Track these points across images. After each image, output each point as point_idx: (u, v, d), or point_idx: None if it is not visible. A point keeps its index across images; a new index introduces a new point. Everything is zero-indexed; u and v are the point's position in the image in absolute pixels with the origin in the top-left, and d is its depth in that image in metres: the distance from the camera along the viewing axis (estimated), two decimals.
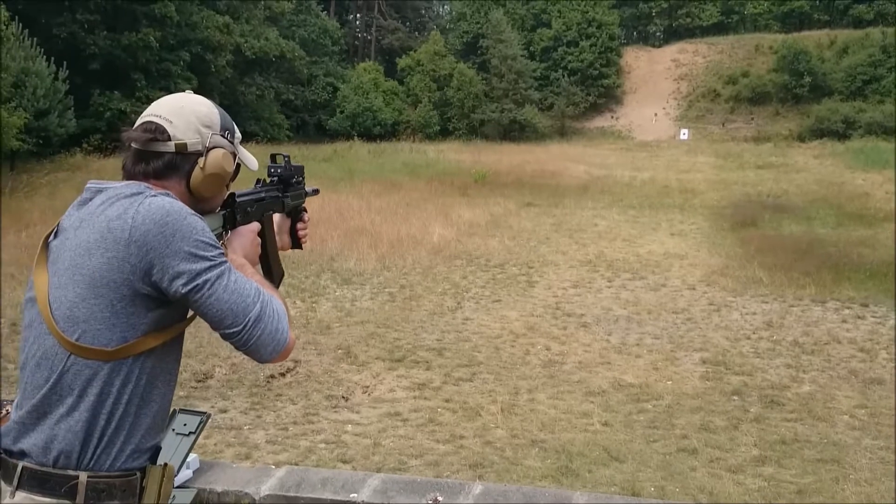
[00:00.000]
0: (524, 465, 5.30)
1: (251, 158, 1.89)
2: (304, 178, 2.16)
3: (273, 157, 2.08)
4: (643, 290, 10.57)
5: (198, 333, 7.29)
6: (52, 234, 1.69)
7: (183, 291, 1.57)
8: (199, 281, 1.57)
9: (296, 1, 47.17)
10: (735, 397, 6.64)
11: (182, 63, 32.60)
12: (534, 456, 5.46)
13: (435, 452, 5.51)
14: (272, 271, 2.00)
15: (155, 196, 1.61)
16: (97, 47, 28.83)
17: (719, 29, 55.46)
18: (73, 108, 24.70)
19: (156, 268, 1.56)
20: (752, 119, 46.32)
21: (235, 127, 1.85)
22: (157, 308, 1.60)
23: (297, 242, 2.19)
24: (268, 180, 2.04)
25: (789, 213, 17.57)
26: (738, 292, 10.39)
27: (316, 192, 2.30)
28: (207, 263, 1.58)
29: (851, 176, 25.65)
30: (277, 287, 1.93)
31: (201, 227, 1.61)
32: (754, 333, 8.56)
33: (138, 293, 1.57)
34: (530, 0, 53.41)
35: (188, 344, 1.63)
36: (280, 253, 2.08)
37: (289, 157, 2.09)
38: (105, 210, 1.60)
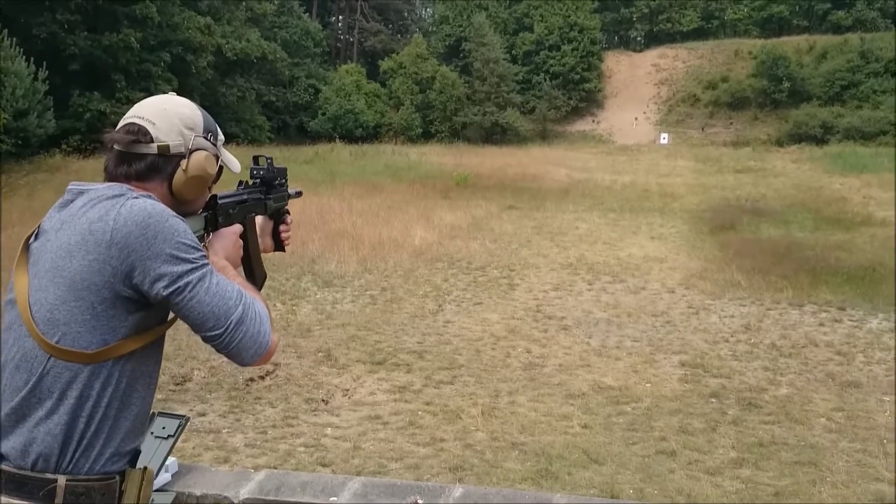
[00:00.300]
0: (504, 468, 5.31)
1: (234, 161, 1.89)
2: (286, 181, 2.15)
3: (256, 159, 2.07)
4: (623, 293, 10.62)
5: (176, 336, 7.26)
6: (33, 236, 1.68)
7: (164, 294, 1.56)
8: (181, 283, 1.56)
9: (278, 2, 47.07)
10: (713, 400, 6.69)
11: (163, 64, 32.43)
12: (514, 458, 5.47)
13: (415, 455, 5.52)
14: (254, 274, 2.00)
15: (137, 198, 1.61)
16: (77, 48, 28.62)
17: (699, 34, 55.85)
18: (52, 109, 24.53)
19: (137, 270, 1.55)
20: (732, 124, 46.67)
21: (218, 129, 1.84)
22: (138, 311, 1.60)
23: (279, 245, 2.18)
24: (250, 182, 2.04)
25: (767, 217, 17.70)
26: (717, 295, 10.45)
27: (299, 194, 2.29)
28: (189, 266, 1.58)
29: (829, 180, 25.89)
30: (260, 290, 1.93)
31: (183, 230, 1.61)
32: (732, 336, 8.62)
33: (119, 296, 1.57)
34: (513, 4, 53.60)
35: (166, 346, 1.63)
36: (262, 255, 2.08)
37: (272, 158, 2.08)
38: (86, 212, 1.60)
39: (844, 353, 8.01)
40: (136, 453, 1.70)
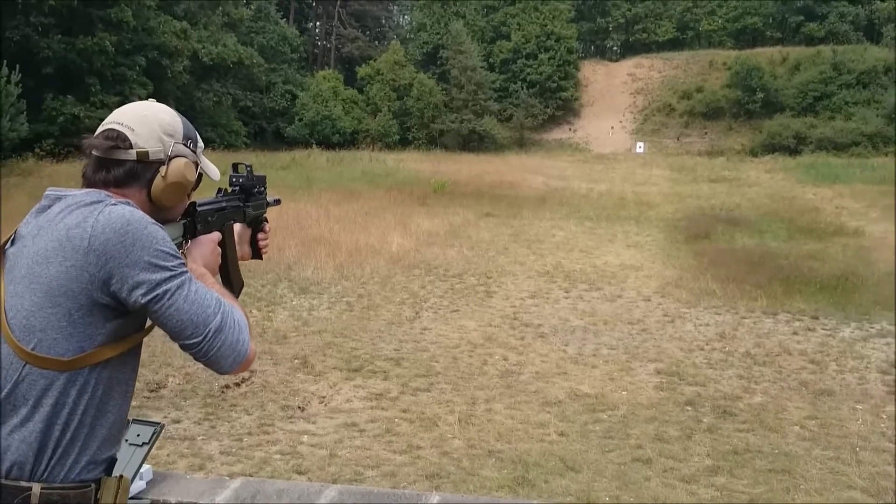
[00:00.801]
0: (481, 476, 5.31)
1: (213, 168, 1.88)
2: (265, 188, 2.15)
3: (235, 167, 2.07)
4: (599, 301, 10.66)
5: (151, 342, 7.18)
6: (10, 242, 1.66)
7: (142, 301, 1.55)
8: (159, 291, 1.55)
9: (254, 8, 46.95)
10: (688, 408, 6.72)
11: (138, 68, 32.22)
12: (490, 466, 5.47)
13: (392, 463, 5.50)
14: (232, 281, 1.99)
15: (115, 205, 1.59)
16: (51, 51, 28.35)
17: (675, 45, 56.47)
18: (25, 112, 24.24)
19: (115, 277, 1.54)
20: (706, 133, 47.14)
21: (198, 136, 1.83)
22: (115, 318, 1.58)
23: (257, 252, 2.17)
24: (229, 190, 2.03)
25: (742, 227, 17.85)
26: (692, 304, 10.52)
27: (277, 202, 2.28)
28: (167, 273, 1.57)
29: (802, 190, 26.19)
30: (237, 297, 1.92)
31: (162, 237, 1.59)
32: (707, 344, 8.68)
33: (96, 303, 1.55)
34: (490, 12, 53.86)
35: (141, 353, 1.62)
36: (239, 263, 2.07)
37: (251, 166, 2.08)
38: (64, 218, 1.58)
39: (818, 361, 8.08)
40: (112, 461, 1.68)
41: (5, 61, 23.05)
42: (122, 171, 1.67)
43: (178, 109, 1.84)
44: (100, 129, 1.70)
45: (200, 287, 1.62)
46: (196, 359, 1.62)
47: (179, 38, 34.45)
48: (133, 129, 1.68)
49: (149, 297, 1.55)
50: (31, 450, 1.54)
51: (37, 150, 26.92)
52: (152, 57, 32.95)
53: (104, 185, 1.67)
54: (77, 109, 28.57)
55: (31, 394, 1.55)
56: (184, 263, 1.63)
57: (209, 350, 1.59)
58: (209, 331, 1.59)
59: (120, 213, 1.57)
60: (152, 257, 1.56)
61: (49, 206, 1.64)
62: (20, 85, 23.63)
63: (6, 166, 23.61)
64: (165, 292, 1.56)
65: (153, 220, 1.62)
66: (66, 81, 29.42)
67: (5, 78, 22.81)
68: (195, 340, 1.59)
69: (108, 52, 29.63)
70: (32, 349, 1.54)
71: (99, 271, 1.54)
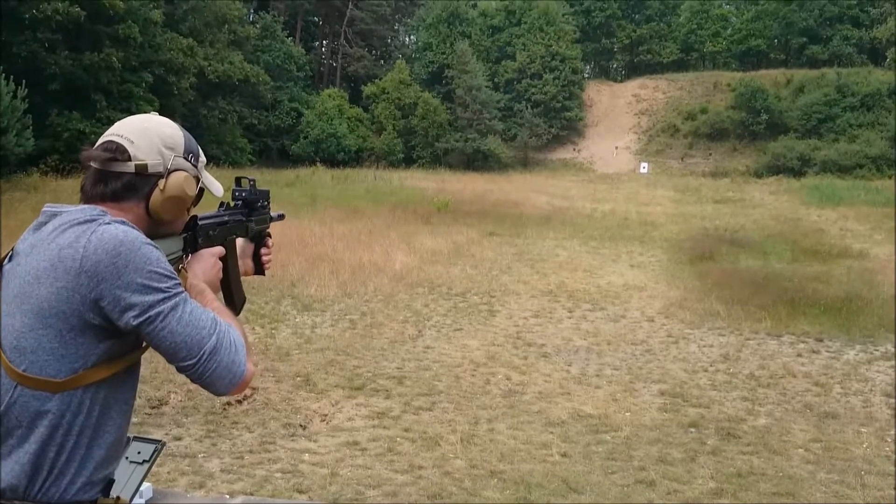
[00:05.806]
0: (483, 496, 5.26)
1: (216, 184, 1.85)
2: (269, 203, 2.12)
3: (238, 181, 2.04)
4: (603, 321, 10.62)
5: (153, 359, 7.09)
6: (7, 258, 1.64)
7: (134, 324, 1.52)
8: (152, 313, 1.52)
9: (261, 26, 47.24)
10: (692, 429, 6.67)
11: (144, 84, 32.36)
12: (493, 487, 5.42)
13: (393, 483, 5.45)
14: (233, 297, 1.96)
15: (108, 224, 1.56)
16: (58, 67, 28.47)
17: (679, 66, 56.76)
18: (31, 128, 24.32)
19: (106, 299, 1.51)
20: (710, 154, 47.22)
21: (201, 151, 1.81)
22: (108, 338, 1.55)
23: (260, 268, 2.15)
24: (232, 204, 2.01)
25: (746, 248, 17.80)
26: (696, 325, 10.47)
27: (281, 217, 2.26)
28: (161, 295, 1.54)
29: (806, 212, 26.16)
30: (238, 314, 1.89)
31: (156, 258, 1.56)
32: (711, 366, 8.63)
33: (88, 324, 1.52)
34: (495, 32, 54.16)
35: (142, 370, 1.60)
36: (241, 278, 2.04)
37: (254, 180, 2.05)
38: (57, 237, 1.56)
39: (822, 383, 8.03)
40: (109, 482, 1.65)
41: (12, 77, 23.16)
42: (121, 183, 1.65)
43: (183, 126, 1.82)
44: (99, 141, 1.68)
45: (196, 308, 1.60)
46: (192, 380, 1.60)
47: (186, 55, 34.65)
48: (132, 142, 1.66)
49: (141, 319, 1.52)
50: (25, 472, 1.52)
51: (42, 166, 26.99)
52: (159, 73, 33.11)
53: (101, 198, 1.64)
54: (83, 125, 28.68)
55: (24, 416, 1.52)
56: (179, 284, 1.60)
57: (204, 372, 1.57)
58: (204, 353, 1.56)
59: (113, 233, 1.54)
60: (145, 279, 1.53)
61: (45, 223, 1.61)
62: (26, 100, 23.72)
63: (11, 181, 23.66)
64: (158, 314, 1.53)
65: (148, 240, 1.59)
66: (72, 97, 29.52)
67: (12, 94, 22.91)
68: (190, 362, 1.56)
69: (115, 68, 29.75)
70: (24, 370, 1.52)
71: (90, 293, 1.51)
